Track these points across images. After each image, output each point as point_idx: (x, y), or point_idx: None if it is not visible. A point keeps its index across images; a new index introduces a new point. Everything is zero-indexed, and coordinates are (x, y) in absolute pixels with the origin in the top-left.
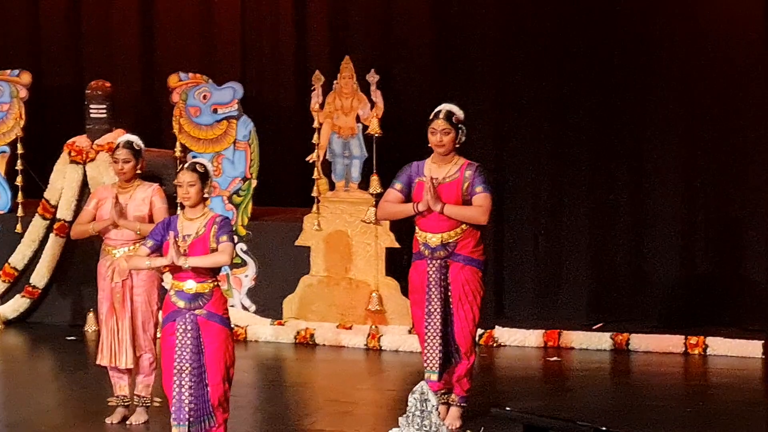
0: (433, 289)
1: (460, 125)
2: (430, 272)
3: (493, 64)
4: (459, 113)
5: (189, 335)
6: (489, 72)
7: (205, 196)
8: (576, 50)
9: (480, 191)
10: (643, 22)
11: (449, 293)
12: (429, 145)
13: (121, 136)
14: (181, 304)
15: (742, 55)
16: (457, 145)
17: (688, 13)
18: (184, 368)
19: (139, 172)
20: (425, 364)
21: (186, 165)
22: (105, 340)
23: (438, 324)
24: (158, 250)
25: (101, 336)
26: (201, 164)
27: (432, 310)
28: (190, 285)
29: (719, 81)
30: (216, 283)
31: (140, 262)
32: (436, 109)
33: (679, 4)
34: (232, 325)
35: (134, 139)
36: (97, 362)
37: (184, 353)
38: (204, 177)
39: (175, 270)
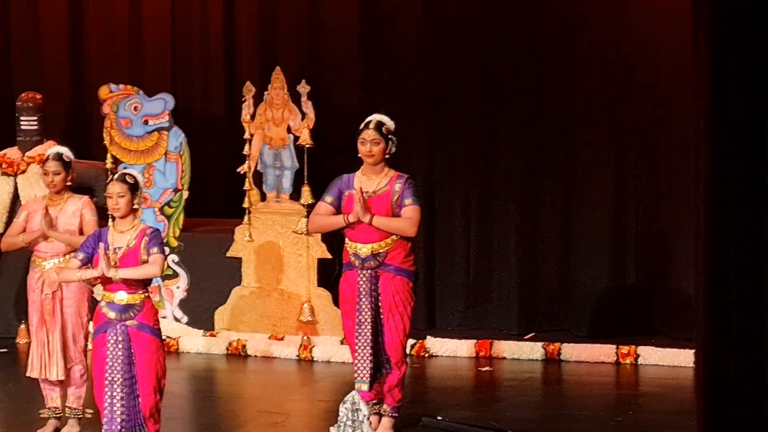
0: (364, 300)
1: (390, 136)
2: (361, 283)
3: (423, 75)
4: (389, 124)
5: (120, 346)
6: (418, 83)
7: (135, 207)
8: (505, 62)
9: (409, 203)
10: (570, 40)
11: (380, 303)
12: (359, 155)
13: (52, 148)
14: (112, 315)
15: (667, 76)
16: (387, 156)
17: (613, 37)
18: (115, 379)
19: (69, 184)
20: (356, 375)
21: (116, 176)
22: (35, 352)
23: (368, 334)
24: (89, 262)
25: (32, 348)
26: (131, 175)
27: (362, 320)
28: (121, 296)
29: (645, 96)
30: (147, 294)
31: (71, 274)
32: (367, 119)
33: (605, 27)
34: (164, 337)
35: (64, 150)
36: (28, 374)
37: (115, 364)
38: (134, 188)
39: (106, 281)
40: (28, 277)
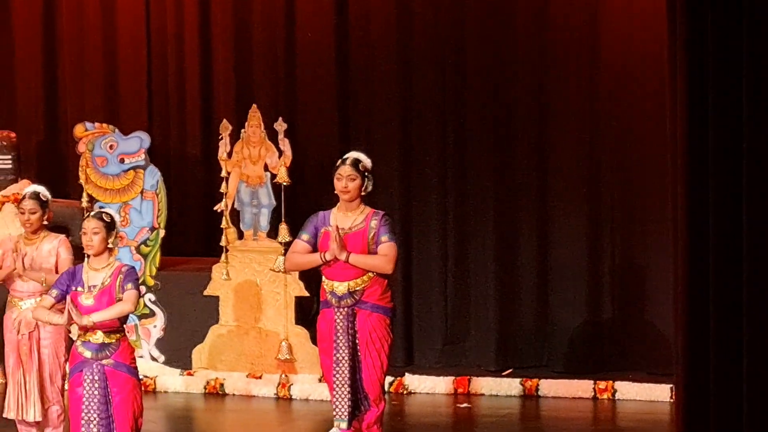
0: (341, 338)
1: (366, 173)
2: (338, 320)
3: (396, 113)
4: (366, 161)
5: (96, 386)
6: (392, 121)
7: (110, 246)
8: (476, 99)
9: (385, 240)
10: (545, 70)
11: (357, 341)
12: (335, 191)
13: (28, 187)
14: (87, 354)
15: (641, 107)
16: (363, 193)
17: (586, 61)
18: (91, 419)
19: (45, 223)
20: (334, 413)
21: (92, 213)
22: (12, 393)
23: (346, 372)
24: (63, 299)
25: (8, 389)
26: (108, 214)
27: (340, 358)
28: (97, 336)
29: (620, 133)
30: (123, 333)
31: (43, 314)
32: (344, 156)
33: (578, 57)
34: (141, 376)
35: (41, 189)
36: (5, 415)
37: (92, 404)
38: (110, 227)
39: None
40: (4, 317)
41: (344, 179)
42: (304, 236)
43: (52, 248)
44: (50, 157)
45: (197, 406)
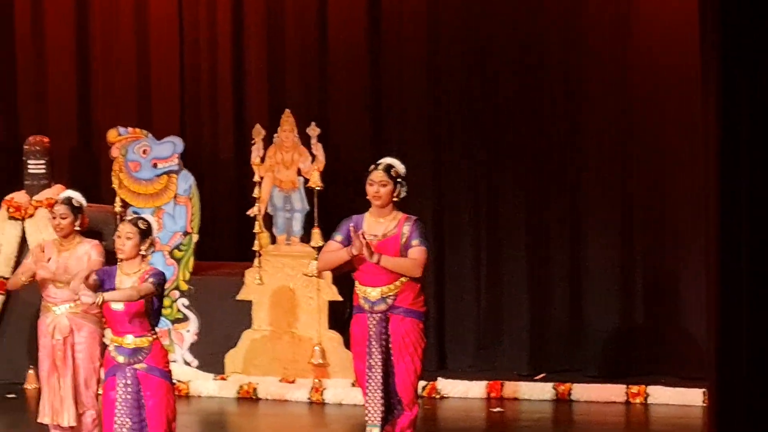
0: (374, 343)
1: (399, 179)
2: (371, 326)
3: (428, 116)
4: (399, 167)
5: (129, 390)
6: (424, 124)
7: (143, 253)
8: (507, 102)
9: (416, 244)
10: (576, 72)
11: (390, 345)
12: (367, 196)
13: (62, 192)
14: (120, 359)
15: (674, 111)
16: (395, 199)
17: (618, 68)
18: (124, 423)
19: (78, 228)
20: (367, 418)
21: (129, 218)
22: (47, 398)
23: (379, 378)
24: (99, 285)
25: (42, 394)
26: (145, 221)
27: (373, 363)
28: (129, 340)
29: (652, 136)
30: (155, 337)
31: (77, 284)
32: (377, 161)
33: (610, 60)
34: (175, 381)
35: (74, 195)
36: (39, 420)
37: (125, 408)
38: (144, 234)
39: (113, 326)
40: (38, 322)
41: (376, 185)
42: (338, 237)
43: (85, 253)
44: (83, 161)
45: (230, 410)
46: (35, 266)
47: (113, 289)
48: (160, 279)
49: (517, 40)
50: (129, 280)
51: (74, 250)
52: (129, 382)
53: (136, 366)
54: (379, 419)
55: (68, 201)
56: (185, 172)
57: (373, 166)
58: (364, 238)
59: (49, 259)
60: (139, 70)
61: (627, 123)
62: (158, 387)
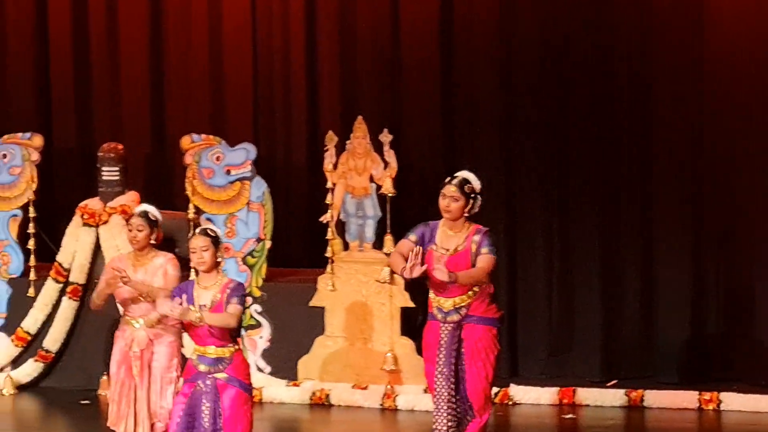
0: (443, 352)
1: (473, 194)
2: (443, 335)
3: (500, 123)
4: (474, 183)
5: (206, 398)
6: (496, 131)
7: (218, 260)
8: (580, 111)
9: (485, 252)
10: (649, 82)
11: (462, 350)
12: (439, 209)
13: (139, 206)
14: (202, 367)
15: (746, 124)
16: (467, 214)
17: (691, 75)
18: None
19: (153, 242)
20: (434, 426)
21: (198, 230)
22: (118, 407)
23: (445, 387)
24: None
25: (112, 402)
26: (212, 229)
27: (441, 372)
28: (211, 350)
29: (724, 150)
30: (237, 348)
31: (164, 307)
32: (453, 174)
33: (683, 71)
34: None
35: (150, 209)
36: (109, 425)
37: (202, 417)
38: (216, 241)
39: (196, 336)
40: (116, 333)
41: (447, 198)
42: (412, 237)
43: (161, 267)
44: (157, 168)
45: (303, 417)
46: (111, 287)
47: (191, 305)
48: (243, 294)
49: (588, 48)
50: (207, 293)
51: (150, 265)
52: (207, 390)
53: (217, 375)
54: (446, 427)
55: (144, 214)
56: (258, 179)
57: (448, 179)
58: (442, 263)
59: (126, 281)
60: (213, 78)
61: (699, 133)
62: (236, 398)
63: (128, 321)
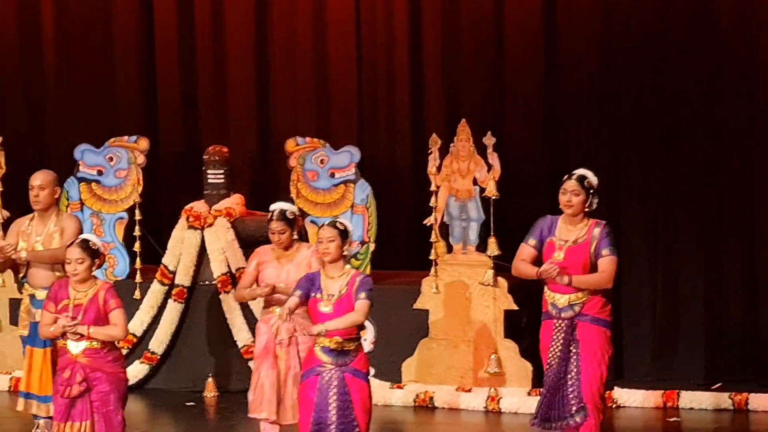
0: (554, 349)
1: (591, 190)
2: (555, 332)
3: (604, 126)
4: (592, 179)
5: (335, 391)
6: (600, 134)
7: (345, 254)
8: (683, 111)
9: (606, 254)
10: (752, 83)
11: (578, 350)
12: (560, 206)
13: (275, 205)
14: (326, 359)
15: None
16: (587, 210)
17: None
18: (326, 422)
19: (295, 237)
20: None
21: (327, 222)
22: (265, 394)
23: (552, 380)
24: (307, 300)
25: (257, 390)
26: (341, 222)
27: (551, 365)
28: (337, 341)
29: None
30: (359, 341)
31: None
32: (572, 171)
33: None
34: None
35: (287, 207)
36: (251, 415)
37: (328, 408)
38: (343, 234)
39: (314, 317)
40: (258, 323)
41: (568, 193)
42: (531, 241)
43: (304, 258)
44: (261, 171)
45: (407, 419)
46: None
47: (320, 294)
48: (371, 288)
49: (691, 50)
50: (335, 284)
51: (295, 257)
52: (335, 383)
53: (343, 368)
54: (538, 413)
55: (283, 215)
56: (362, 182)
57: (567, 176)
58: (556, 267)
59: (273, 289)
60: (317, 81)
61: None
62: (363, 389)
63: (271, 309)
